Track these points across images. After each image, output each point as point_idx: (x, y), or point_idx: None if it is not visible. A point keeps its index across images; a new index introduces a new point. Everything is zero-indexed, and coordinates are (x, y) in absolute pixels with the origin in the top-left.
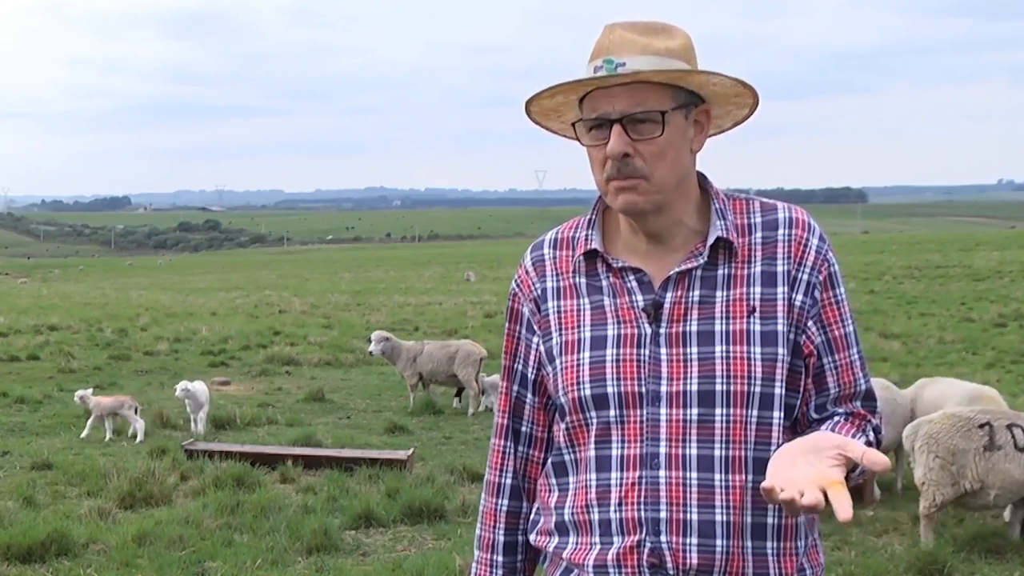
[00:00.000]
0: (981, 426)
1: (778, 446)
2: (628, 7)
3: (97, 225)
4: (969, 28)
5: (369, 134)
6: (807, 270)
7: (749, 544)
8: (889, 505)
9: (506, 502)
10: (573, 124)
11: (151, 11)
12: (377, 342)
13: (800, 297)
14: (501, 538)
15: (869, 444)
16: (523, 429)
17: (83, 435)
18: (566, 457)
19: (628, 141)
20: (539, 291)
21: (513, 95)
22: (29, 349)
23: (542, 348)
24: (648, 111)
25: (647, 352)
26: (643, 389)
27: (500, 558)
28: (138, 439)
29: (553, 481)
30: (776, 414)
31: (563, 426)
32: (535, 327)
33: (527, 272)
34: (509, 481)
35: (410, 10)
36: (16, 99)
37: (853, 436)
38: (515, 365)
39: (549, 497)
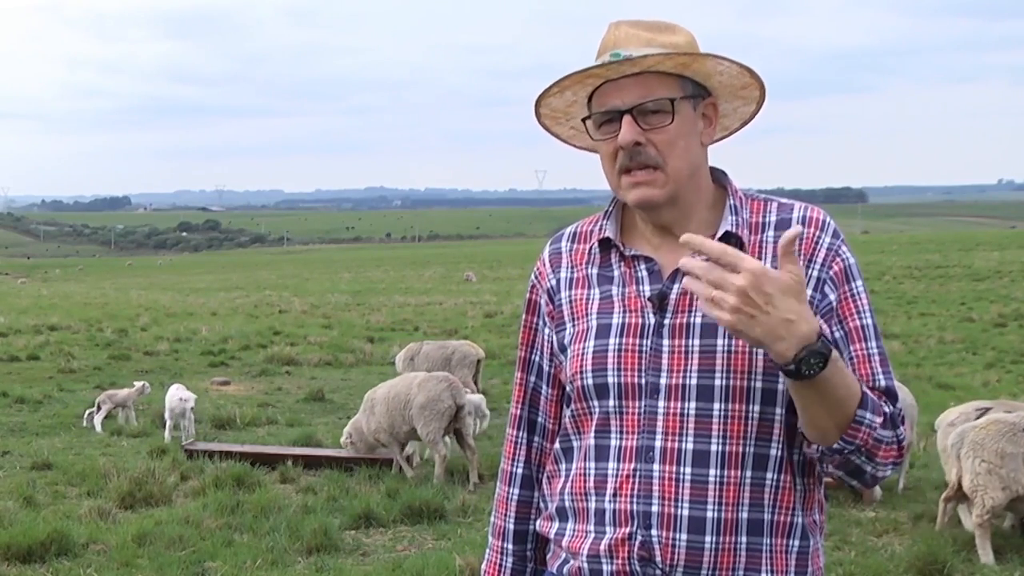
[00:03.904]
0: None
1: (780, 442)
2: (628, 7)
3: (97, 225)
4: (969, 28)
5: (369, 134)
6: (817, 266)
7: (743, 540)
8: (889, 505)
9: (518, 491)
10: (584, 120)
11: (150, 11)
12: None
13: (809, 293)
14: (512, 526)
15: (885, 414)
16: (538, 420)
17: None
18: (573, 443)
19: (639, 130)
20: (553, 282)
21: (513, 95)
22: (29, 349)
23: (554, 338)
24: (658, 99)
25: (649, 342)
26: (642, 380)
27: (511, 546)
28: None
29: (559, 467)
30: (778, 410)
31: (569, 412)
32: (548, 318)
33: (544, 264)
34: (522, 471)
35: (410, 10)
36: (16, 99)
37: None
38: (531, 356)
39: (555, 483)
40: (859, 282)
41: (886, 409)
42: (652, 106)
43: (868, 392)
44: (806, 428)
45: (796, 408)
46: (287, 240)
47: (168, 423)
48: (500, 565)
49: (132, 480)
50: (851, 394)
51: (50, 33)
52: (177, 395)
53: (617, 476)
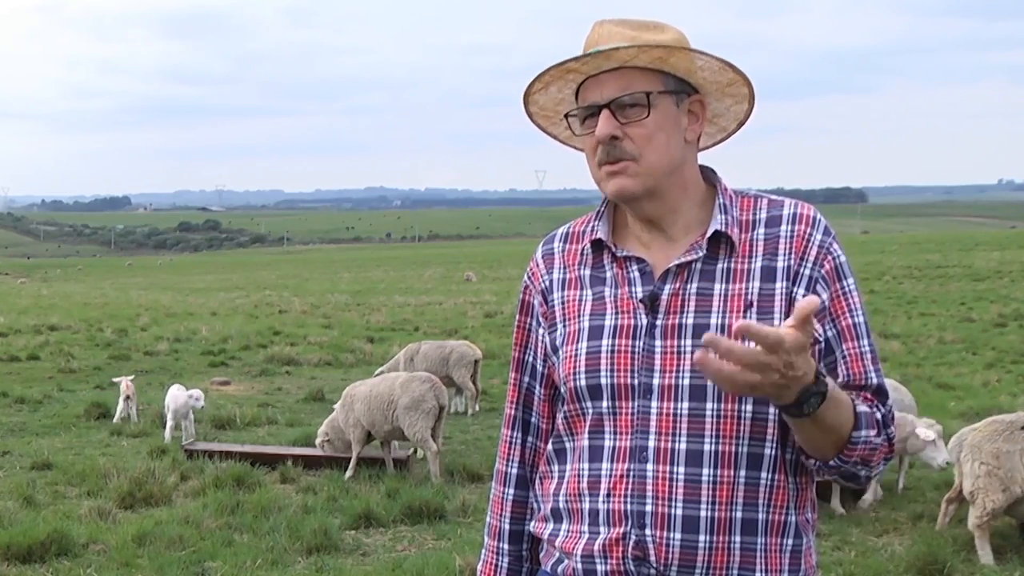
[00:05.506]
0: (1023, 428)
1: (773, 441)
2: (628, 6)
3: (97, 225)
4: (969, 28)
5: (369, 134)
6: (809, 264)
7: (737, 539)
8: (889, 505)
9: (513, 491)
10: (567, 117)
11: (149, 11)
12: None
13: (801, 292)
14: (507, 527)
15: (877, 423)
16: (532, 420)
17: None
18: (565, 444)
19: (616, 124)
20: (547, 283)
21: (513, 95)
22: (29, 349)
23: (547, 339)
24: (634, 93)
25: (642, 343)
26: (635, 381)
27: (506, 546)
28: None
29: (552, 468)
30: (771, 410)
31: (562, 414)
32: (542, 319)
33: (537, 264)
34: (516, 471)
35: (410, 10)
36: (16, 99)
37: (860, 404)
38: (525, 356)
39: (548, 484)
40: (850, 280)
41: (878, 416)
42: (629, 100)
43: (862, 409)
44: (803, 448)
45: (792, 433)
46: (287, 240)
47: (169, 423)
48: (496, 565)
49: (132, 480)
50: (846, 418)
51: (50, 33)
52: (186, 394)
53: (611, 476)
